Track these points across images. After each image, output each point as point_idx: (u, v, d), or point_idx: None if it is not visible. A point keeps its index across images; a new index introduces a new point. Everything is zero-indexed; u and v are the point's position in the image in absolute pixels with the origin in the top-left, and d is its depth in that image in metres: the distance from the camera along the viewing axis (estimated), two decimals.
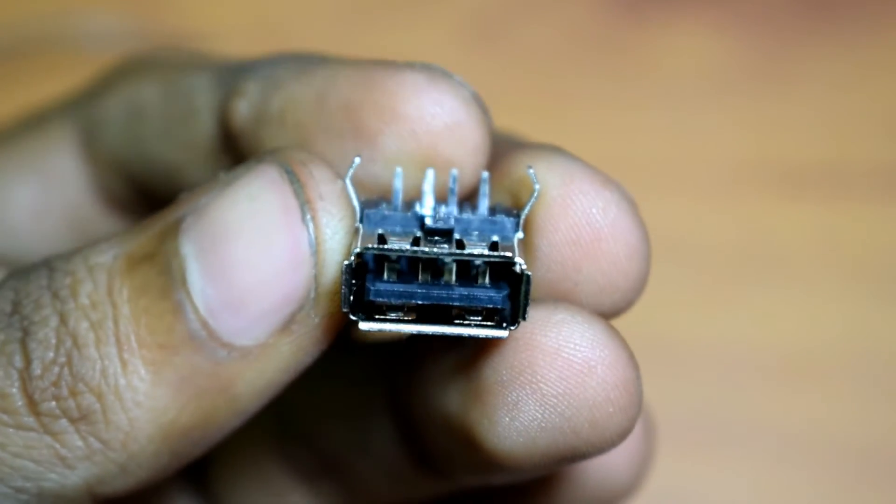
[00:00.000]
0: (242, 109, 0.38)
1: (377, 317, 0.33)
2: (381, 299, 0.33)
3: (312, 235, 0.33)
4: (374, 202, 0.35)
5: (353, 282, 0.33)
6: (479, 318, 0.33)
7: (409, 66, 0.36)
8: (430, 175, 0.35)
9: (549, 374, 0.34)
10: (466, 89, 0.36)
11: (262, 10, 0.73)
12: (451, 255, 0.33)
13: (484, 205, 0.35)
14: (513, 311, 0.33)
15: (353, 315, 0.33)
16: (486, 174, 0.35)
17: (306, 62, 0.38)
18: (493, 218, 0.35)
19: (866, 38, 0.71)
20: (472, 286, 0.33)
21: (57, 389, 0.33)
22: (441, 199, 0.35)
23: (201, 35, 0.71)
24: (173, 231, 0.34)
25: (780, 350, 0.64)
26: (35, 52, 0.71)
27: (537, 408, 0.35)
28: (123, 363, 0.33)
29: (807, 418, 0.62)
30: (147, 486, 0.35)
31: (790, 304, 0.65)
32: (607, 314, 0.36)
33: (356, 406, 0.42)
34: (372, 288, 0.33)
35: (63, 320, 0.33)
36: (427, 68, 0.36)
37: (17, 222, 0.46)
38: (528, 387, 0.34)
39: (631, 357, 0.35)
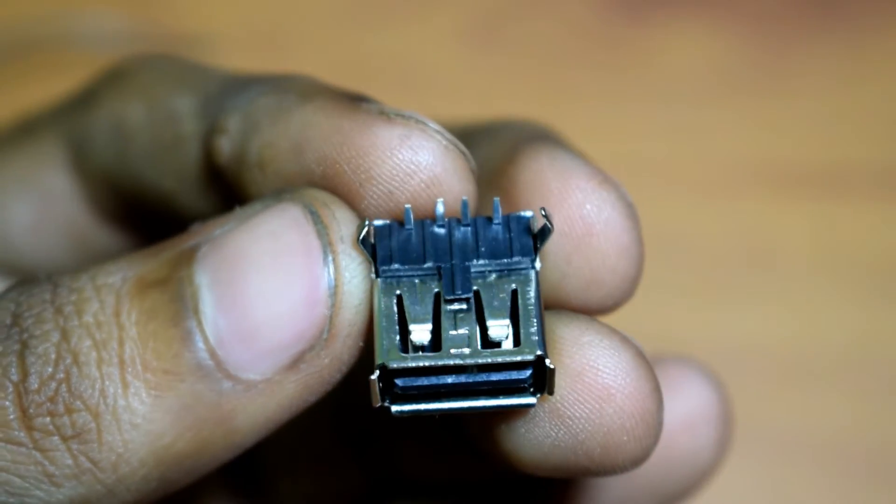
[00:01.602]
0: (224, 147, 0.38)
1: (408, 400, 0.33)
2: (409, 392, 0.33)
3: (332, 277, 0.33)
4: (386, 230, 0.35)
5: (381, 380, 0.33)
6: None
7: (384, 116, 0.35)
8: (440, 206, 0.35)
9: (568, 396, 0.34)
10: (443, 138, 0.35)
11: (261, 11, 0.73)
12: (475, 364, 0.33)
13: (496, 230, 0.35)
14: (537, 378, 0.34)
15: (386, 404, 0.33)
16: (497, 200, 0.35)
17: (284, 97, 0.37)
18: (510, 245, 0.35)
19: (867, 38, 0.71)
20: (497, 371, 0.33)
21: (53, 405, 0.33)
22: (451, 214, 0.35)
23: (201, 36, 0.71)
24: (188, 259, 0.34)
25: (779, 350, 0.64)
26: (35, 53, 0.71)
27: (552, 426, 0.35)
28: (125, 384, 0.33)
29: (807, 419, 0.62)
30: None
31: (790, 304, 0.65)
32: (594, 311, 0.36)
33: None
34: (400, 383, 0.33)
35: (65, 337, 0.33)
36: (401, 118, 0.35)
37: (16, 237, 0.46)
38: (546, 404, 0.34)
39: (655, 388, 0.35)
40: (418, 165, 0.35)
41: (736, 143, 0.69)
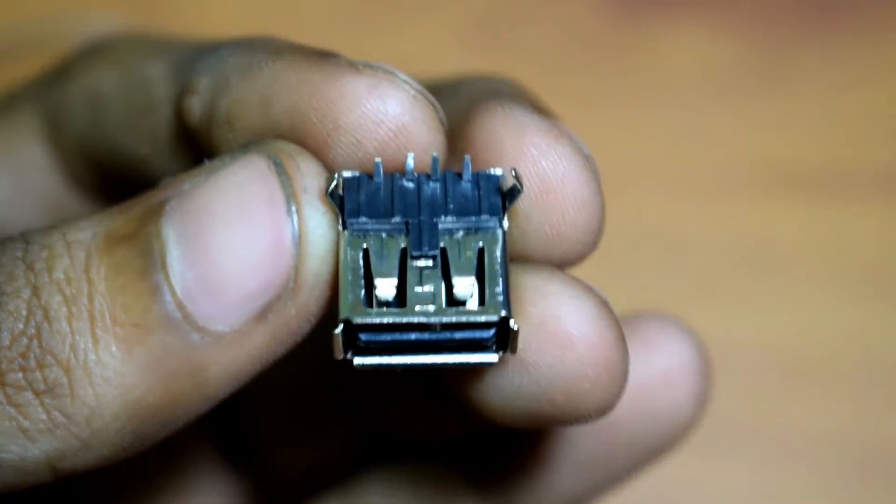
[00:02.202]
0: (195, 108, 0.38)
1: (371, 353, 0.34)
2: (372, 346, 0.33)
3: (296, 227, 0.33)
4: (355, 182, 0.35)
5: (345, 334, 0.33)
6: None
7: (352, 67, 0.35)
8: (410, 160, 0.35)
9: (531, 343, 0.35)
10: (411, 88, 0.35)
11: (260, 11, 0.74)
12: (441, 323, 0.33)
13: (465, 187, 0.35)
14: (501, 337, 0.34)
15: (349, 356, 0.33)
16: (467, 158, 0.35)
17: (254, 56, 0.37)
18: (479, 203, 0.35)
19: (867, 39, 0.71)
20: (461, 330, 0.34)
21: (24, 361, 0.33)
22: (421, 169, 0.35)
23: (201, 35, 0.71)
24: (156, 213, 0.34)
25: (778, 351, 0.64)
26: (34, 53, 0.71)
27: (515, 373, 0.35)
28: (95, 339, 0.33)
29: (805, 420, 0.62)
30: (107, 464, 0.35)
31: (788, 305, 0.65)
32: (558, 264, 0.36)
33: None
34: (363, 338, 0.33)
35: (35, 293, 0.33)
36: (369, 69, 0.35)
37: None
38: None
39: (619, 338, 0.35)
40: (386, 114, 0.35)
41: (735, 145, 0.69)
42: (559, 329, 0.35)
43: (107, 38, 0.46)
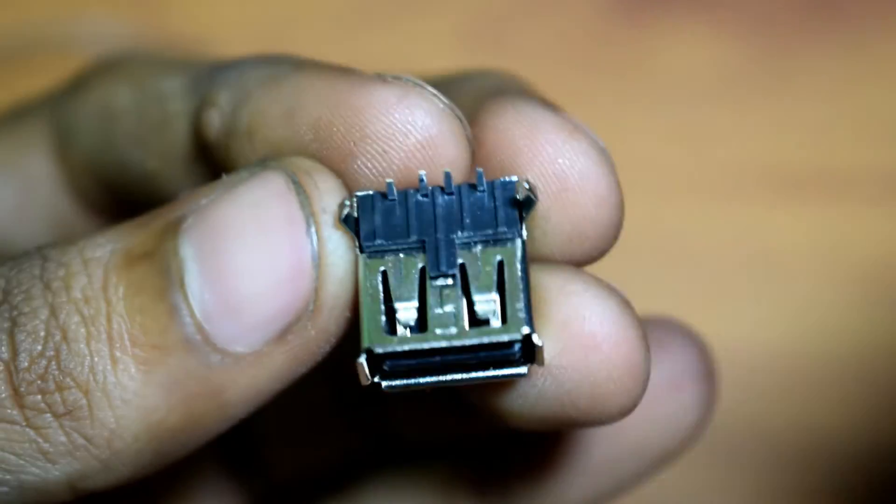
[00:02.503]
0: (214, 121, 0.38)
1: (398, 376, 0.33)
2: (397, 371, 0.33)
3: (315, 248, 0.33)
4: (369, 201, 0.34)
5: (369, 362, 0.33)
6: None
7: (380, 79, 0.35)
8: (423, 175, 0.35)
9: (554, 346, 0.34)
10: (440, 101, 0.35)
11: (261, 12, 0.73)
12: (462, 346, 0.33)
13: (480, 198, 0.35)
14: (527, 351, 0.33)
15: (376, 379, 0.33)
16: (480, 171, 0.35)
17: (277, 69, 0.37)
18: (495, 214, 0.34)
19: (869, 41, 0.71)
20: (484, 349, 0.33)
21: (43, 383, 0.33)
22: (435, 183, 0.35)
23: (200, 36, 0.71)
24: (173, 230, 0.34)
25: (779, 353, 0.64)
26: (34, 54, 0.71)
27: (538, 376, 0.35)
28: (114, 361, 0.33)
29: (805, 421, 0.62)
30: (128, 483, 0.34)
31: (790, 307, 0.65)
32: (580, 262, 0.36)
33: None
34: (388, 364, 0.33)
35: (53, 313, 0.33)
36: (398, 81, 0.35)
37: None
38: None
39: (642, 337, 0.35)
40: (414, 125, 0.35)
41: (737, 146, 0.69)
42: (584, 330, 0.34)
43: (121, 55, 0.46)
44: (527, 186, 0.34)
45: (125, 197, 0.43)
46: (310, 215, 0.33)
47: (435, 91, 0.35)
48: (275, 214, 0.33)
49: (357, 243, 0.34)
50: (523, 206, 0.34)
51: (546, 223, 0.35)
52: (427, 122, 0.35)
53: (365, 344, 0.33)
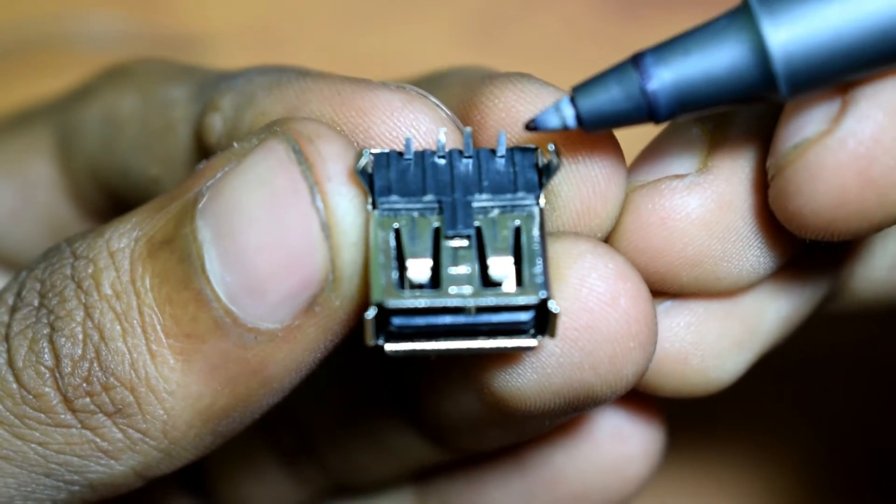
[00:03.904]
0: (216, 124, 0.38)
1: (403, 339, 0.33)
2: (405, 331, 0.33)
3: (324, 218, 0.33)
4: (385, 159, 0.34)
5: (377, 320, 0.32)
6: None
7: (384, 85, 0.35)
8: (443, 135, 0.34)
9: (572, 307, 0.34)
10: (443, 111, 0.35)
11: (260, 11, 0.73)
12: (476, 305, 0.32)
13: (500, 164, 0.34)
14: (539, 320, 0.33)
15: (380, 342, 0.33)
16: (503, 135, 0.34)
17: (280, 75, 0.37)
18: (514, 180, 0.34)
19: None
20: (497, 312, 0.32)
21: (89, 386, 0.33)
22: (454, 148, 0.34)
23: (201, 36, 0.71)
24: (190, 213, 0.34)
25: (778, 352, 0.64)
26: (34, 53, 0.71)
27: (557, 341, 0.34)
28: (152, 354, 0.33)
29: (805, 421, 0.62)
30: (195, 461, 0.35)
31: None
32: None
33: (339, 379, 0.42)
34: (396, 323, 0.33)
35: (88, 313, 0.34)
36: (402, 88, 0.35)
37: None
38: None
39: (649, 292, 0.35)
40: (419, 130, 0.35)
41: None
42: (602, 286, 0.34)
43: (128, 63, 0.46)
44: (552, 149, 0.33)
45: (126, 202, 0.44)
46: (313, 184, 0.33)
47: (437, 101, 0.35)
48: (280, 188, 0.33)
49: (370, 199, 0.33)
50: (546, 171, 0.34)
51: (556, 197, 0.35)
52: (431, 128, 0.35)
53: (375, 298, 0.32)
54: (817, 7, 0.32)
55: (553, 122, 0.34)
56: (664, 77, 0.33)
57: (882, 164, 0.33)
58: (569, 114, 0.33)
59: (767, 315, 0.39)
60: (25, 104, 0.50)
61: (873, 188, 0.33)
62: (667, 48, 0.33)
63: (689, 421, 0.60)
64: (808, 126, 0.34)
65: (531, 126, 0.33)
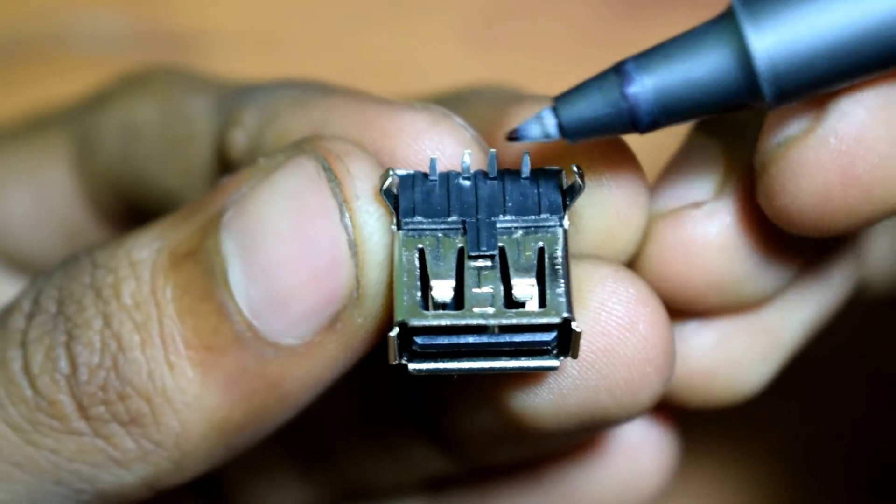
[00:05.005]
0: (240, 139, 0.38)
1: (426, 358, 0.33)
2: (428, 350, 0.33)
3: (351, 236, 0.33)
4: (410, 180, 0.34)
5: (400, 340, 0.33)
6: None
7: (409, 106, 0.35)
8: (467, 157, 0.34)
9: (591, 330, 0.34)
10: (467, 131, 0.35)
11: (261, 11, 0.73)
12: (499, 325, 0.32)
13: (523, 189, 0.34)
14: (562, 341, 0.33)
15: (403, 361, 0.33)
16: (527, 156, 0.34)
17: (304, 91, 0.37)
18: (538, 201, 0.34)
19: None
20: (520, 332, 0.33)
21: (104, 394, 0.33)
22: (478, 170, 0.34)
23: (201, 35, 0.71)
24: (214, 226, 0.34)
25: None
26: (34, 52, 0.71)
27: (574, 365, 0.34)
28: (170, 365, 0.33)
29: (804, 421, 0.62)
30: (203, 474, 0.35)
31: None
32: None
33: (356, 388, 0.42)
34: (419, 342, 0.33)
35: (107, 322, 0.34)
36: (427, 109, 0.35)
37: (13, 228, 0.47)
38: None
39: (668, 318, 0.35)
40: (444, 152, 0.35)
41: None
42: (621, 311, 0.34)
43: (145, 71, 0.46)
44: (576, 171, 0.33)
45: (143, 210, 0.44)
46: (343, 202, 0.33)
47: (462, 122, 0.35)
48: (308, 204, 0.33)
49: (395, 219, 0.33)
50: (570, 192, 0.34)
51: (579, 220, 0.35)
52: (457, 150, 0.35)
53: (399, 317, 0.32)
54: (803, 14, 0.32)
55: (535, 132, 0.33)
56: (645, 84, 0.33)
57: (865, 162, 0.33)
58: (550, 123, 0.33)
59: (791, 323, 0.39)
60: (25, 104, 0.50)
61: (857, 185, 0.33)
62: (649, 55, 0.33)
63: (691, 422, 0.60)
64: (792, 124, 0.34)
65: (513, 136, 0.33)
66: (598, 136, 0.33)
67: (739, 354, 0.39)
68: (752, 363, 0.39)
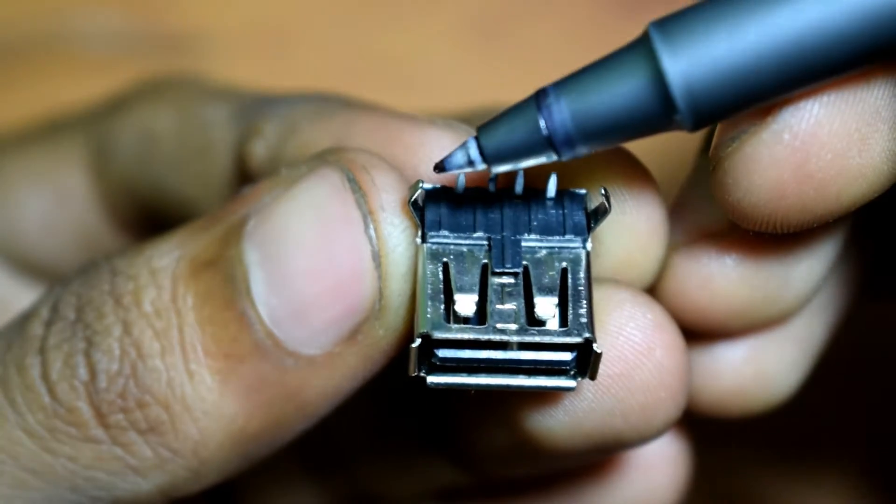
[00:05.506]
0: (259, 150, 0.38)
1: (444, 371, 0.33)
2: (447, 364, 0.33)
3: (375, 248, 0.33)
4: (436, 194, 0.34)
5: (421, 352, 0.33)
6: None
7: (431, 122, 0.35)
8: (494, 176, 0.34)
9: (608, 354, 0.34)
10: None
11: (261, 10, 0.73)
12: (520, 341, 0.33)
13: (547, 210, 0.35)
14: (581, 362, 0.33)
15: (422, 374, 0.33)
16: (554, 177, 0.35)
17: (325, 104, 0.37)
18: (563, 222, 0.34)
19: None
20: (540, 351, 0.33)
21: (123, 402, 0.33)
22: (504, 185, 0.35)
23: (201, 35, 0.71)
24: (236, 235, 0.34)
25: None
26: (34, 52, 0.71)
27: (590, 387, 0.34)
28: (190, 374, 0.33)
29: (804, 421, 0.62)
30: (219, 484, 0.35)
31: None
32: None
33: (371, 397, 0.42)
34: (440, 354, 0.33)
35: (127, 330, 0.34)
36: (450, 126, 0.35)
37: (28, 233, 0.46)
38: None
39: (684, 344, 0.35)
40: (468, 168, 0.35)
41: None
42: (638, 336, 0.34)
43: (163, 79, 0.46)
44: (603, 193, 0.34)
45: (159, 217, 0.44)
46: (367, 214, 0.33)
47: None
48: (333, 215, 0.33)
49: (420, 232, 0.33)
50: (594, 215, 0.34)
51: (600, 245, 0.35)
52: (483, 166, 0.34)
53: (421, 329, 0.32)
54: (717, 37, 0.32)
55: (460, 161, 0.33)
56: (563, 109, 0.33)
57: (819, 158, 0.33)
58: (474, 152, 0.33)
59: (817, 328, 0.39)
60: (24, 103, 0.50)
61: (811, 183, 0.33)
62: (569, 81, 0.33)
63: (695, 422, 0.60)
64: (747, 119, 0.34)
65: (439, 167, 0.34)
66: (520, 162, 0.33)
67: (771, 366, 0.39)
68: (783, 373, 0.39)
